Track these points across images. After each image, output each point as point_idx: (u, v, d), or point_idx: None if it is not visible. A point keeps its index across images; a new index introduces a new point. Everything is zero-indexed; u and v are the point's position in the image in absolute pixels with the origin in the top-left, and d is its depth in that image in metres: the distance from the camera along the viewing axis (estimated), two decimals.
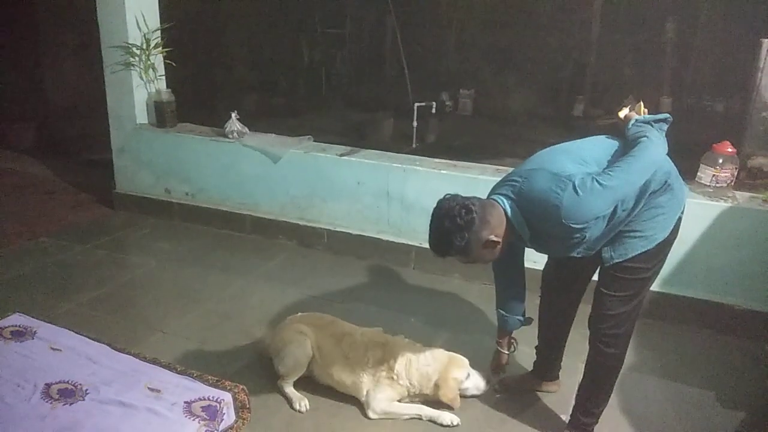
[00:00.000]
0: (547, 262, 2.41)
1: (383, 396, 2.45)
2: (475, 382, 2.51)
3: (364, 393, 2.48)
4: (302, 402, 2.52)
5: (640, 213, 1.96)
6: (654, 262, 2.05)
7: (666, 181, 1.96)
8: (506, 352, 2.47)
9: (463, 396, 2.49)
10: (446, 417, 2.43)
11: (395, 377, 2.44)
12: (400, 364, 2.46)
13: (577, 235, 1.87)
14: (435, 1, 5.88)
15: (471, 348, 2.94)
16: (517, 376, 2.64)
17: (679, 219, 2.06)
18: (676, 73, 4.76)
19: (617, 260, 2.01)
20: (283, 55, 6.64)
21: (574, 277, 2.32)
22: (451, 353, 2.52)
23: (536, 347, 2.57)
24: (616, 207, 1.87)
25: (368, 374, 2.48)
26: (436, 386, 2.43)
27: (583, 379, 2.27)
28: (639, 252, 1.99)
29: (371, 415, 2.46)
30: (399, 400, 2.48)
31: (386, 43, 6.14)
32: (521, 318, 2.39)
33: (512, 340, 2.48)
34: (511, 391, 2.61)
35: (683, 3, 4.37)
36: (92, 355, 2.55)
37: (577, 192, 1.80)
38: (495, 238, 1.92)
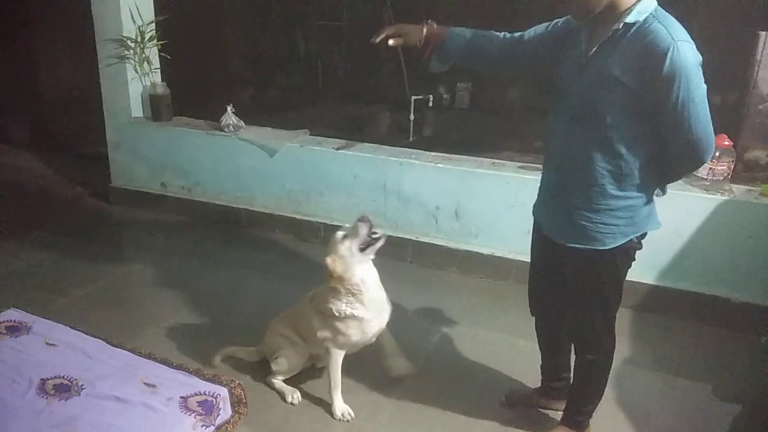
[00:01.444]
0: (530, 272, 2.30)
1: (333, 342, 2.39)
2: (355, 232, 2.30)
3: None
4: (294, 394, 2.51)
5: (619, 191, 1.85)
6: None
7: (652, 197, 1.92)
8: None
9: (367, 254, 2.31)
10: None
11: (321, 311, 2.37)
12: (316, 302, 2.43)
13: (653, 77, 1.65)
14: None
15: (468, 342, 2.95)
16: (524, 392, 2.56)
17: (633, 250, 1.94)
18: None
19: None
20: (279, 48, 6.61)
21: (561, 276, 2.15)
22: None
23: (540, 366, 2.46)
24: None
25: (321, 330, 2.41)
26: (333, 276, 2.28)
27: (573, 379, 2.24)
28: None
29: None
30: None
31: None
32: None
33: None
34: (518, 406, 2.52)
35: None
36: (88, 350, 2.56)
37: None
38: None
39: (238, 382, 2.50)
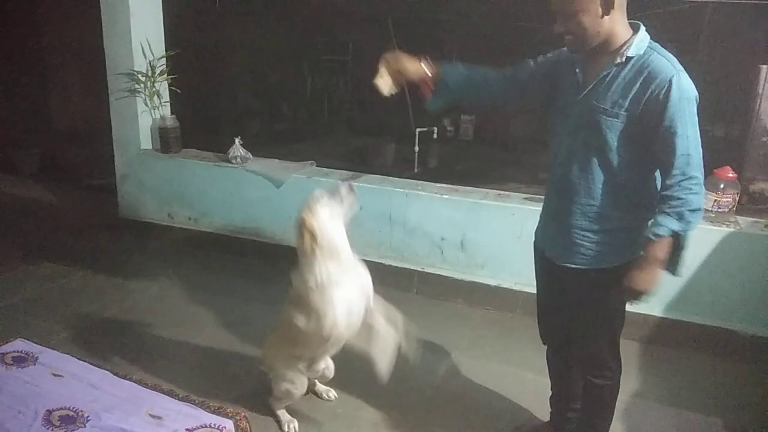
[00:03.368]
0: (537, 300, 2.30)
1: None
2: (335, 194, 2.32)
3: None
4: (291, 424, 2.48)
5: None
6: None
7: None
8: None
9: (340, 219, 2.31)
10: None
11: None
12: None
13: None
14: (435, 27, 5.97)
15: (476, 374, 2.93)
16: (534, 425, 2.54)
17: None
18: None
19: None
20: (286, 82, 6.73)
21: (566, 300, 2.14)
22: None
23: (550, 398, 2.44)
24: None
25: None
26: (309, 235, 2.26)
27: (582, 406, 2.23)
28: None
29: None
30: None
31: None
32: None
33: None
34: None
35: (682, 29, 4.43)
36: (94, 381, 2.55)
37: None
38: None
39: (243, 414, 2.49)
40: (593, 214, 1.91)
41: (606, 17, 1.76)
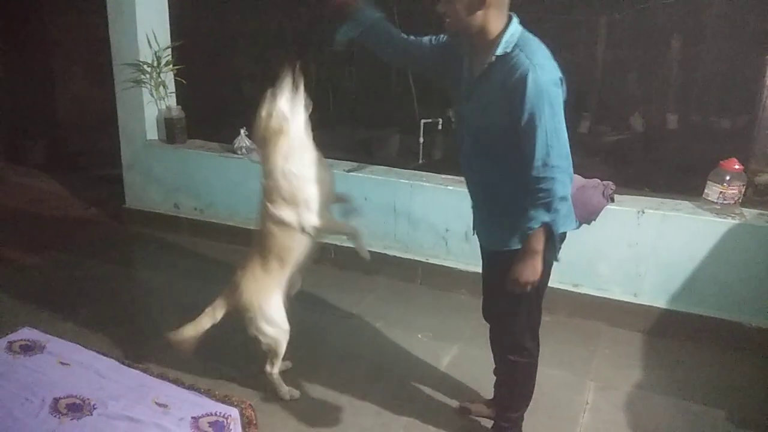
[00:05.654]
0: (483, 282, 2.36)
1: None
2: (284, 83, 2.33)
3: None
4: (291, 393, 2.61)
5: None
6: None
7: None
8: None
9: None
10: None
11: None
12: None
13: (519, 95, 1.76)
14: (440, 17, 5.94)
15: (479, 363, 2.94)
16: (478, 403, 2.58)
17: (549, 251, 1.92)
18: (682, 90, 4.78)
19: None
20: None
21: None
22: None
23: (494, 370, 2.46)
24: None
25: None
26: (273, 130, 2.33)
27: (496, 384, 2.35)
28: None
29: None
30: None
31: None
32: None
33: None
34: (471, 415, 2.55)
35: (689, 20, 4.40)
36: (100, 369, 2.57)
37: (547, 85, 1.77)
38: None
39: (249, 402, 2.51)
40: (500, 200, 2.02)
41: (479, 12, 1.80)
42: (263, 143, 2.36)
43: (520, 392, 2.29)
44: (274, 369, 2.57)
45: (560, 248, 1.94)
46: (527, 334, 2.17)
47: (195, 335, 2.50)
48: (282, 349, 2.54)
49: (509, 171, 1.92)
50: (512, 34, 1.82)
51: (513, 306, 2.10)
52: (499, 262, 2.02)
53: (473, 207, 2.20)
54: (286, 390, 2.59)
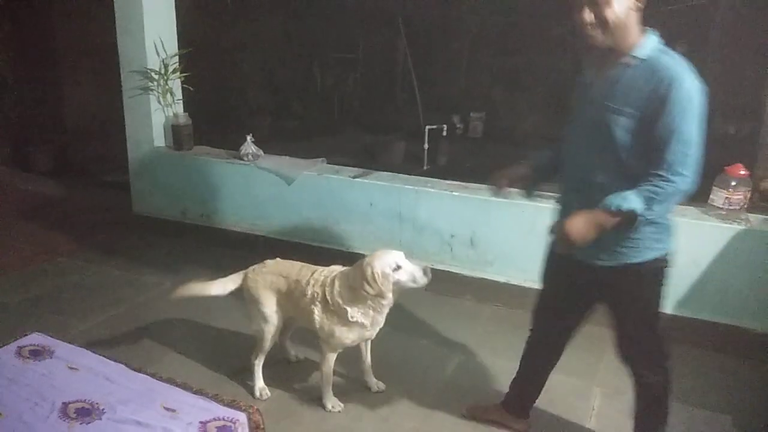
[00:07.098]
0: (540, 295, 2.38)
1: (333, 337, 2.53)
2: (409, 271, 2.40)
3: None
4: (263, 391, 2.71)
5: None
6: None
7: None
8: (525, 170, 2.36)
9: (402, 287, 2.42)
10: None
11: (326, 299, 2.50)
12: (315, 283, 2.58)
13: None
14: (445, 25, 5.97)
15: (484, 370, 2.95)
16: (485, 406, 2.58)
17: (662, 267, 2.00)
18: None
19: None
20: (296, 79, 6.75)
21: (572, 306, 2.25)
22: (381, 251, 2.48)
23: (513, 381, 2.47)
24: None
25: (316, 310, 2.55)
26: (366, 283, 2.38)
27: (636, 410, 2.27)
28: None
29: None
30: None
31: (398, 66, 6.23)
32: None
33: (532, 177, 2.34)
34: (477, 420, 2.55)
35: (694, 25, 4.41)
36: (109, 374, 2.58)
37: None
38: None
39: (256, 407, 2.52)
40: None
41: (632, 12, 1.80)
42: (356, 278, 2.45)
43: (660, 413, 2.23)
44: (256, 360, 2.71)
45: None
46: (656, 348, 2.13)
47: (197, 295, 2.78)
48: (266, 343, 2.67)
49: (632, 177, 1.84)
50: (652, 40, 1.84)
51: (638, 323, 2.08)
52: (615, 278, 2.00)
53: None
54: (260, 386, 2.71)
